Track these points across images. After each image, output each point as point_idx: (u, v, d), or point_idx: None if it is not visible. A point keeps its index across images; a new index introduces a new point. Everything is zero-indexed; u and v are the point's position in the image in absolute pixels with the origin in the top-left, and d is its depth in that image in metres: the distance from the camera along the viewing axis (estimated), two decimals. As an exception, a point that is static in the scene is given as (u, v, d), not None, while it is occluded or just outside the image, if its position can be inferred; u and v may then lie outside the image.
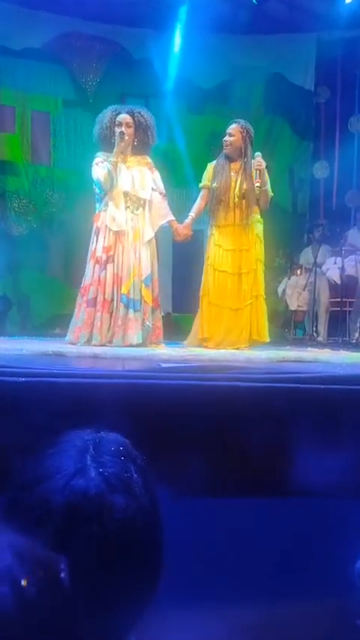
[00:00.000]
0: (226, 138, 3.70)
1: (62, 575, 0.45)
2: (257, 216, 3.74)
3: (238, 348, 3.50)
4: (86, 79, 6.48)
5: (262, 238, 3.76)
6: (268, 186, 3.70)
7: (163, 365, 1.87)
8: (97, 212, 3.55)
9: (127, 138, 3.44)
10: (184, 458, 1.19)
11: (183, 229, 3.72)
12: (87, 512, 0.57)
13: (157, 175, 3.60)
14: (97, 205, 3.56)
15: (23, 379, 1.26)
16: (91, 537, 0.56)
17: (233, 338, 3.61)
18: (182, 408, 1.25)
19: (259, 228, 3.74)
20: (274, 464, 1.25)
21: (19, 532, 0.47)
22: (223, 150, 3.72)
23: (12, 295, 6.33)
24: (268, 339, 3.75)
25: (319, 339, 5.66)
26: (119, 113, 3.50)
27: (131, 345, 3.32)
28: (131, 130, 3.47)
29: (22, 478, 0.62)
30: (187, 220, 3.76)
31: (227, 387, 1.33)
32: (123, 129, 3.43)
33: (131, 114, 3.51)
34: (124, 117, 3.47)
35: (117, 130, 3.43)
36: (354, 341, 5.34)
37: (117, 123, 3.46)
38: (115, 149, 3.44)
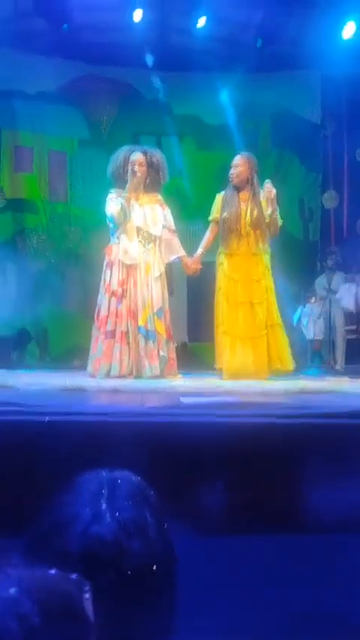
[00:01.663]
0: (232, 170, 3.77)
1: (86, 595, 0.47)
2: (266, 246, 3.79)
3: (258, 379, 3.48)
4: (100, 119, 6.75)
5: (270, 269, 3.79)
6: (278, 214, 3.75)
7: (183, 400, 1.90)
8: (109, 245, 3.65)
9: (139, 176, 3.56)
10: (204, 495, 1.21)
11: (192, 264, 3.79)
12: (104, 559, 0.59)
13: (167, 212, 3.71)
14: (111, 240, 3.67)
15: (48, 418, 1.30)
16: (108, 583, 0.58)
17: (252, 368, 3.58)
18: (201, 444, 1.27)
19: (267, 259, 3.78)
20: (295, 500, 1.25)
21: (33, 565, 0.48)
22: (231, 181, 3.80)
23: (31, 328, 6.45)
24: (292, 368, 3.71)
25: (337, 367, 5.63)
26: (133, 152, 3.64)
27: (155, 376, 3.35)
28: (144, 169, 3.60)
29: (40, 524, 0.64)
30: (197, 255, 3.82)
31: (247, 424, 1.35)
32: (136, 167, 3.55)
33: (144, 153, 3.65)
34: (137, 156, 3.61)
35: (130, 168, 3.56)
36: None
37: (131, 162, 3.59)
38: (127, 186, 3.57)
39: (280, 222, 3.77)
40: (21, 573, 0.45)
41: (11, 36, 5.95)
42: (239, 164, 3.76)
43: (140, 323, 3.46)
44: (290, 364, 3.71)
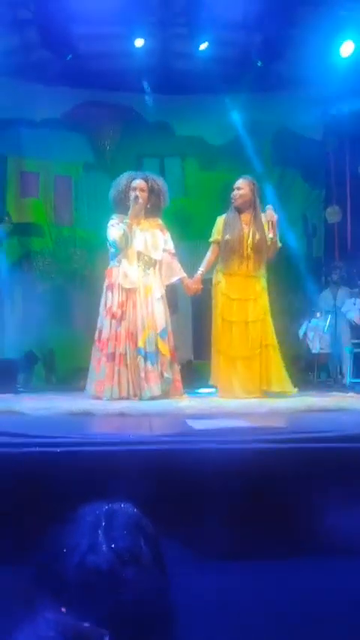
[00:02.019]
0: (235, 192, 3.83)
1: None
2: (264, 270, 3.85)
3: (252, 397, 3.49)
4: (104, 143, 6.88)
5: (266, 290, 3.83)
6: (278, 238, 3.81)
7: (191, 424, 1.91)
8: (109, 267, 3.70)
9: (141, 202, 3.64)
10: (212, 521, 1.21)
11: (193, 284, 3.84)
12: (100, 587, 0.62)
13: (167, 236, 3.78)
14: (111, 263, 3.72)
15: (59, 449, 1.31)
16: (105, 609, 0.60)
17: (244, 387, 3.59)
18: (210, 470, 1.28)
19: (264, 281, 3.83)
20: (306, 524, 1.25)
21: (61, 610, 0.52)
22: (233, 203, 3.85)
23: (38, 350, 6.49)
24: (291, 391, 3.67)
25: (344, 381, 5.60)
26: (134, 179, 3.71)
27: (153, 397, 3.37)
28: (145, 195, 3.67)
29: (42, 554, 0.67)
30: (197, 275, 3.87)
31: (256, 450, 1.35)
32: (138, 193, 3.62)
33: (145, 179, 3.72)
34: (138, 182, 3.68)
35: (132, 194, 3.63)
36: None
37: (132, 187, 3.66)
38: (130, 212, 3.63)
39: (278, 245, 3.82)
40: (57, 618, 0.51)
41: (18, 67, 6.13)
42: (242, 187, 3.83)
43: (140, 344, 3.50)
44: (289, 386, 3.67)
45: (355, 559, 1.23)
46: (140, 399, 3.39)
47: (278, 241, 3.81)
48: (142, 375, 3.45)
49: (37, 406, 2.82)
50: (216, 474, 1.28)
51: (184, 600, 0.70)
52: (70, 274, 6.80)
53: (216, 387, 3.75)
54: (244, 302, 3.75)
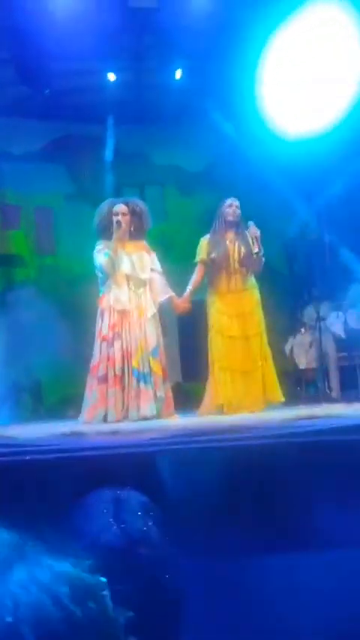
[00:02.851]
0: (234, 209, 3.99)
1: (104, 592, 0.51)
2: (254, 281, 3.94)
3: (255, 411, 3.51)
4: (84, 174, 7.01)
5: (260, 303, 3.92)
6: (262, 253, 3.93)
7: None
8: (100, 295, 3.76)
9: (123, 226, 3.74)
10: (207, 520, 1.22)
11: (182, 303, 3.92)
12: (114, 565, 0.63)
13: (154, 257, 3.88)
14: (101, 289, 3.78)
15: (52, 456, 1.32)
16: (120, 585, 0.62)
17: (250, 401, 3.63)
18: (201, 470, 1.29)
19: (257, 293, 3.92)
20: (300, 518, 1.27)
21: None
22: (228, 218, 3.97)
23: (24, 381, 6.43)
24: (283, 399, 3.78)
25: (333, 394, 5.64)
26: (115, 204, 3.82)
27: (146, 418, 3.36)
28: (127, 218, 3.78)
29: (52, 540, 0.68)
30: (185, 294, 3.95)
31: (243, 447, 1.38)
32: (120, 218, 3.73)
33: (126, 204, 3.84)
34: (119, 207, 3.80)
35: (114, 219, 3.72)
36: (367, 393, 5.32)
37: (114, 213, 3.77)
38: (114, 236, 3.72)
39: (263, 259, 3.94)
40: (54, 564, 0.50)
41: (-5, 103, 6.27)
42: (236, 205, 3.98)
43: (134, 365, 3.51)
44: (281, 395, 3.78)
45: (350, 551, 1.24)
46: (133, 419, 3.38)
47: (262, 256, 3.93)
48: (133, 395, 3.45)
49: (27, 431, 2.80)
50: (208, 472, 1.30)
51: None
52: (54, 304, 6.81)
53: (221, 407, 3.74)
54: (242, 317, 3.85)
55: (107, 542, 0.65)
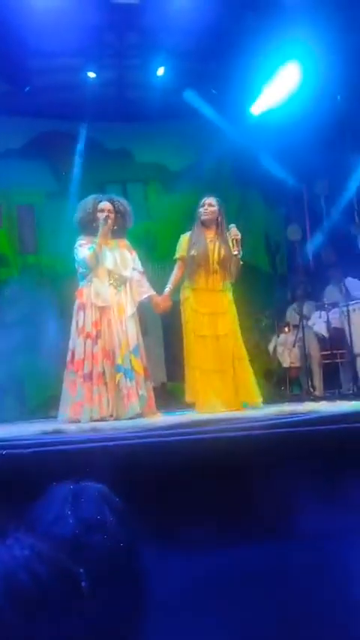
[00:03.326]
0: (206, 207, 3.95)
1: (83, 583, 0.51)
2: (229, 284, 3.94)
3: (231, 410, 3.50)
4: (66, 171, 6.95)
5: (234, 304, 3.92)
6: (240, 256, 3.92)
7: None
8: (79, 288, 3.72)
9: (110, 222, 3.71)
10: (186, 512, 1.21)
11: (162, 302, 3.89)
12: (67, 552, 0.63)
13: (135, 255, 3.86)
14: (80, 283, 3.74)
15: (29, 450, 1.29)
16: (73, 569, 0.62)
17: (222, 401, 3.61)
18: (182, 462, 1.28)
19: (230, 295, 3.92)
20: (275, 509, 1.27)
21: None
22: (202, 217, 3.94)
23: (6, 381, 6.34)
24: (260, 400, 3.74)
25: (317, 393, 5.68)
26: (100, 201, 3.79)
27: (133, 416, 3.34)
28: (112, 216, 3.75)
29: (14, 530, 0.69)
30: (165, 292, 3.92)
31: (225, 438, 1.37)
32: (105, 214, 3.70)
33: (111, 202, 3.82)
34: (105, 204, 3.77)
35: (100, 215, 3.70)
36: (350, 391, 5.37)
37: (99, 209, 3.74)
38: (99, 232, 3.70)
39: (240, 264, 3.94)
40: (33, 541, 0.52)
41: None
42: (211, 203, 3.97)
43: (118, 361, 3.49)
44: (258, 397, 3.74)
45: (330, 539, 1.24)
46: (120, 417, 3.36)
47: (240, 259, 3.92)
48: (125, 392, 3.43)
49: (8, 431, 2.75)
50: (188, 464, 1.28)
51: (159, 589, 0.71)
52: (37, 303, 6.73)
53: (193, 405, 3.75)
54: (214, 316, 3.81)
55: (61, 530, 0.65)
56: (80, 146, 6.90)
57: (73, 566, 0.51)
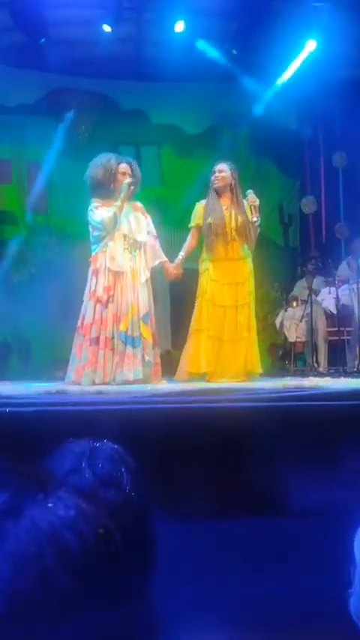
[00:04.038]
0: (217, 174, 3.85)
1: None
2: (248, 250, 3.87)
3: (237, 381, 3.52)
4: (79, 130, 6.77)
5: (253, 273, 3.87)
6: (259, 222, 3.85)
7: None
8: (94, 254, 3.66)
9: (133, 188, 3.65)
10: (188, 481, 1.21)
11: (173, 269, 3.85)
12: (106, 513, 0.62)
13: (149, 220, 3.79)
14: (94, 247, 3.68)
15: (32, 409, 1.29)
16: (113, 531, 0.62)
17: (233, 370, 3.63)
18: (186, 430, 1.28)
19: (250, 262, 3.87)
20: (276, 483, 1.26)
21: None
22: (214, 185, 3.85)
23: (12, 340, 6.37)
24: (260, 371, 3.79)
25: (320, 369, 5.68)
26: (121, 162, 3.68)
27: (129, 382, 3.35)
28: (130, 180, 3.67)
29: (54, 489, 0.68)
30: (177, 260, 3.87)
31: (228, 409, 1.36)
32: (127, 179, 3.62)
33: (130, 165, 3.72)
34: (126, 167, 3.66)
35: (122, 178, 3.62)
36: (355, 369, 5.36)
37: (121, 172, 3.64)
38: (122, 195, 3.62)
39: (258, 229, 3.87)
40: (75, 500, 0.50)
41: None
42: (222, 169, 3.86)
43: (121, 328, 3.48)
44: (259, 367, 3.78)
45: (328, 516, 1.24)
46: (120, 383, 3.37)
47: (259, 226, 3.85)
48: (117, 359, 3.43)
49: (12, 388, 2.77)
50: (193, 432, 1.28)
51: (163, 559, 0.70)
52: (45, 263, 6.69)
53: (197, 375, 3.75)
54: (234, 285, 3.79)
55: (76, 482, 0.64)
56: (94, 105, 6.71)
57: (113, 527, 0.50)
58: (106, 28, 5.97)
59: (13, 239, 6.65)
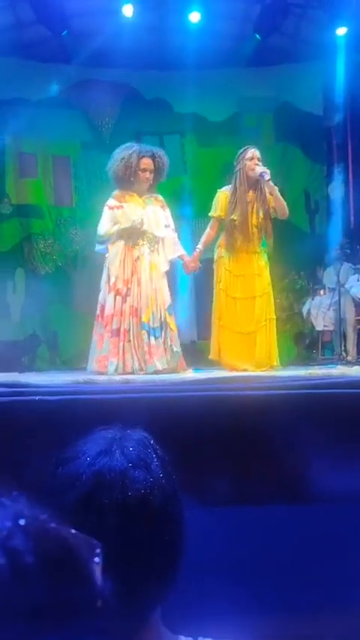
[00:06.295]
0: (256, 161, 3.65)
1: (96, 560, 0.44)
2: (265, 246, 3.84)
3: (262, 370, 3.50)
4: (102, 121, 6.79)
5: (268, 265, 3.83)
6: (277, 192, 3.68)
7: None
8: (111, 242, 3.71)
9: (150, 183, 3.68)
10: (211, 468, 1.22)
11: (191, 262, 3.81)
12: (110, 483, 0.65)
13: (168, 213, 3.79)
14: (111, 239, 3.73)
15: (60, 397, 1.32)
16: (112, 506, 0.63)
17: (250, 362, 3.60)
18: (209, 418, 1.28)
19: (265, 256, 3.82)
20: (299, 470, 1.26)
21: (40, 506, 0.46)
22: (251, 174, 3.65)
23: (41, 332, 6.49)
24: (277, 364, 3.71)
25: (349, 357, 5.59)
26: (143, 156, 3.66)
27: (157, 371, 3.39)
28: (152, 175, 3.67)
29: (54, 462, 0.70)
30: (195, 253, 3.84)
31: (254, 396, 1.36)
32: (148, 175, 3.64)
33: (153, 158, 3.68)
34: (148, 162, 3.65)
35: (142, 175, 3.63)
36: (384, 357, 5.26)
37: (142, 168, 3.64)
38: (135, 188, 3.67)
39: (286, 212, 3.76)
40: (21, 509, 0.43)
41: (12, 44, 6.04)
42: (258, 158, 3.67)
43: (144, 320, 3.51)
44: (276, 359, 3.70)
45: (347, 503, 1.23)
46: (145, 372, 3.42)
47: (279, 195, 3.71)
48: (146, 349, 3.47)
49: (41, 379, 2.83)
50: (215, 419, 1.28)
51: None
52: (72, 255, 6.77)
53: (217, 362, 3.76)
54: (249, 277, 3.74)
55: (106, 463, 0.66)
56: (117, 96, 6.71)
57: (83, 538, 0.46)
58: (127, 12, 5.91)
59: (40, 232, 6.75)
